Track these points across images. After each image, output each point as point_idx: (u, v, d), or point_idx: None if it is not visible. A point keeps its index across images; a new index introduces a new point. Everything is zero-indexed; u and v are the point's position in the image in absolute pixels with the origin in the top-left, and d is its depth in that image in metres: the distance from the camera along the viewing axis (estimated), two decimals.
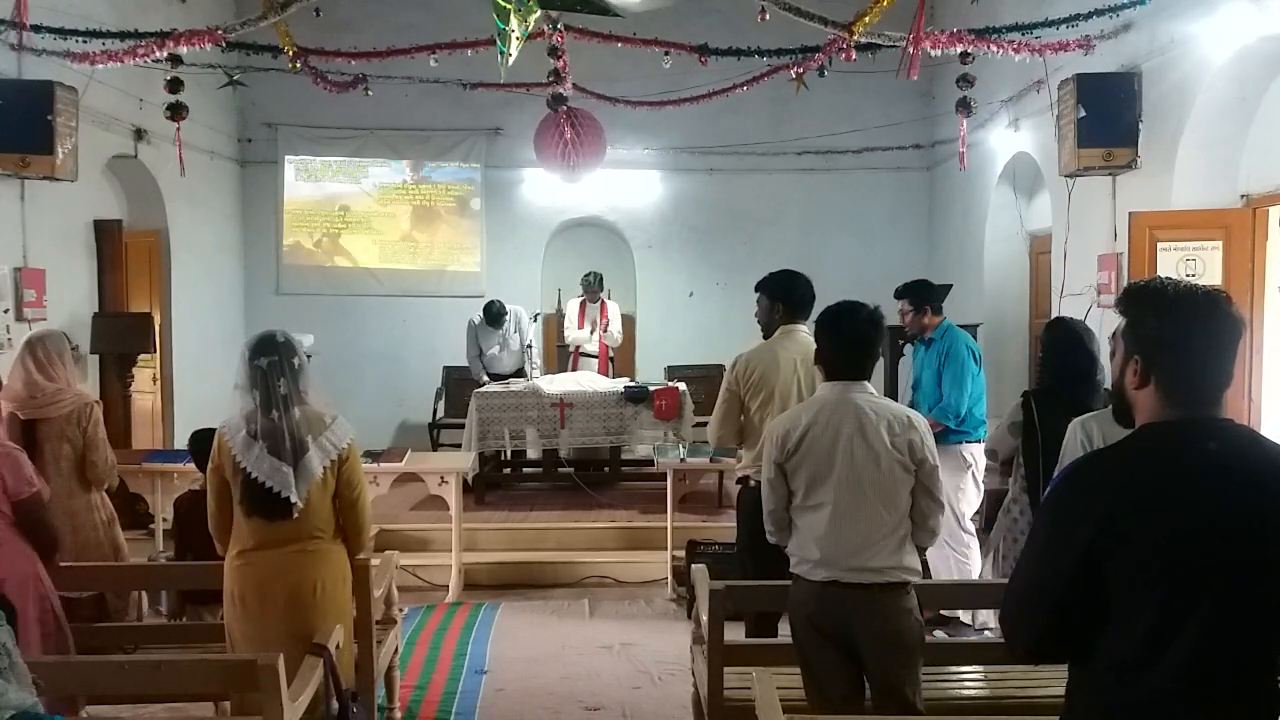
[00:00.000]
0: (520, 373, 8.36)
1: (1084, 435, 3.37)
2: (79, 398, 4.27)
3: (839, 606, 2.94)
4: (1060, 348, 4.24)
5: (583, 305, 8.74)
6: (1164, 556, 1.64)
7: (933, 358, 5.35)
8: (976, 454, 5.28)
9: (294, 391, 3.15)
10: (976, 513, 5.42)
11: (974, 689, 3.58)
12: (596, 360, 8.73)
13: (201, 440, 4.20)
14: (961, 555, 5.27)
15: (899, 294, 5.54)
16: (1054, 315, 6.74)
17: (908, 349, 6.93)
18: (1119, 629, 1.68)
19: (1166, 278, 1.87)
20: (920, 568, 3.06)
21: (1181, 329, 1.73)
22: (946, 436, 5.13)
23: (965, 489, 5.27)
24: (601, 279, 8.69)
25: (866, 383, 3.09)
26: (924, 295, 5.46)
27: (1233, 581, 1.64)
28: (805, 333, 4.21)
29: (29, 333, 4.72)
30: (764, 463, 3.13)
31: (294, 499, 3.09)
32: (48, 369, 4.18)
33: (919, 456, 2.99)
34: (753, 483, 4.18)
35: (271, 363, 3.12)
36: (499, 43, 5.44)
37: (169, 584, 4.31)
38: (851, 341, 3.08)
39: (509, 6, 5.19)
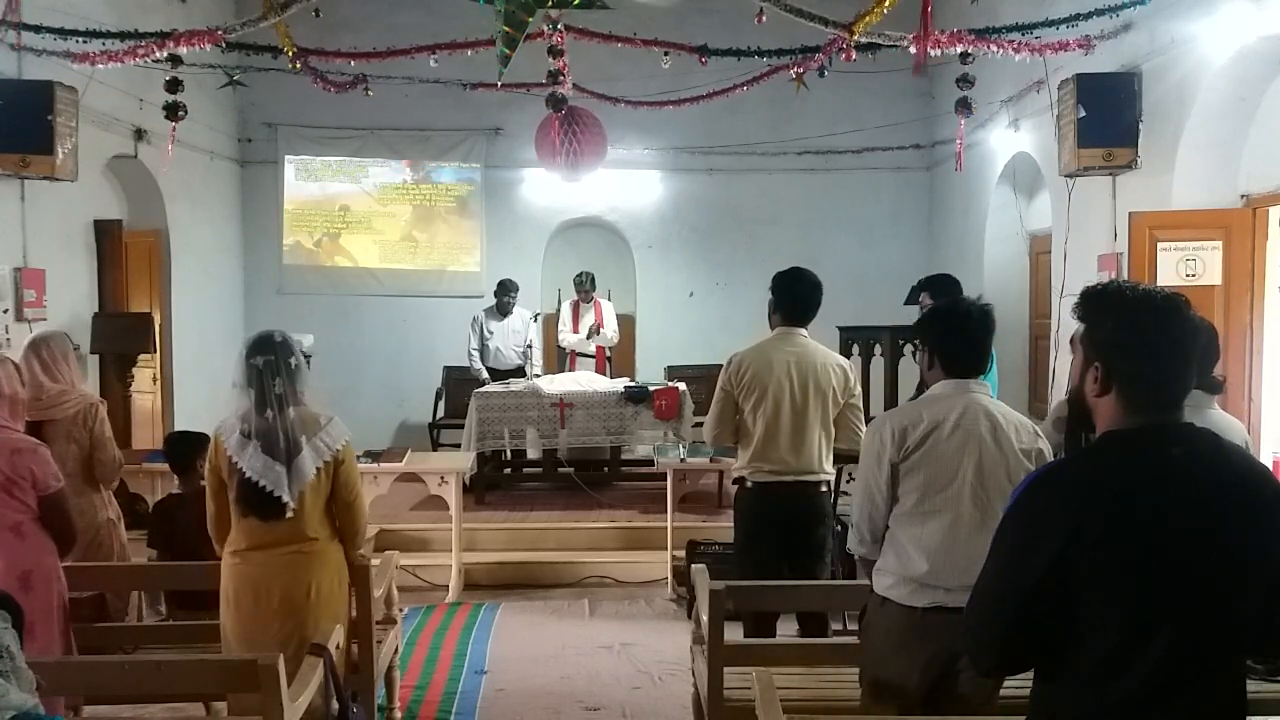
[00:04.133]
0: (520, 372, 8.37)
1: None
2: (84, 398, 4.30)
3: (945, 635, 2.57)
4: None
5: (576, 306, 8.75)
6: (1130, 564, 1.63)
7: None
8: None
9: (289, 391, 3.14)
10: None
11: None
12: (594, 360, 8.73)
13: (177, 444, 4.22)
14: None
15: (923, 285, 5.52)
16: (1054, 315, 6.77)
17: (908, 349, 6.93)
18: (1086, 638, 1.66)
19: (1125, 281, 1.84)
20: None
21: (1140, 334, 1.71)
22: None
23: None
24: (593, 278, 8.68)
25: (984, 380, 2.86)
26: (946, 291, 5.41)
27: (1200, 587, 1.63)
28: (803, 335, 4.19)
29: (30, 334, 4.72)
30: (867, 462, 2.82)
31: (286, 498, 3.08)
32: (52, 370, 4.21)
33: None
34: (749, 483, 4.20)
35: (267, 362, 3.13)
36: (499, 44, 5.45)
37: (169, 584, 4.32)
38: (967, 333, 2.82)
39: (504, 7, 5.21)
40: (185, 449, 4.18)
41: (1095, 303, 1.78)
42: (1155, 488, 1.66)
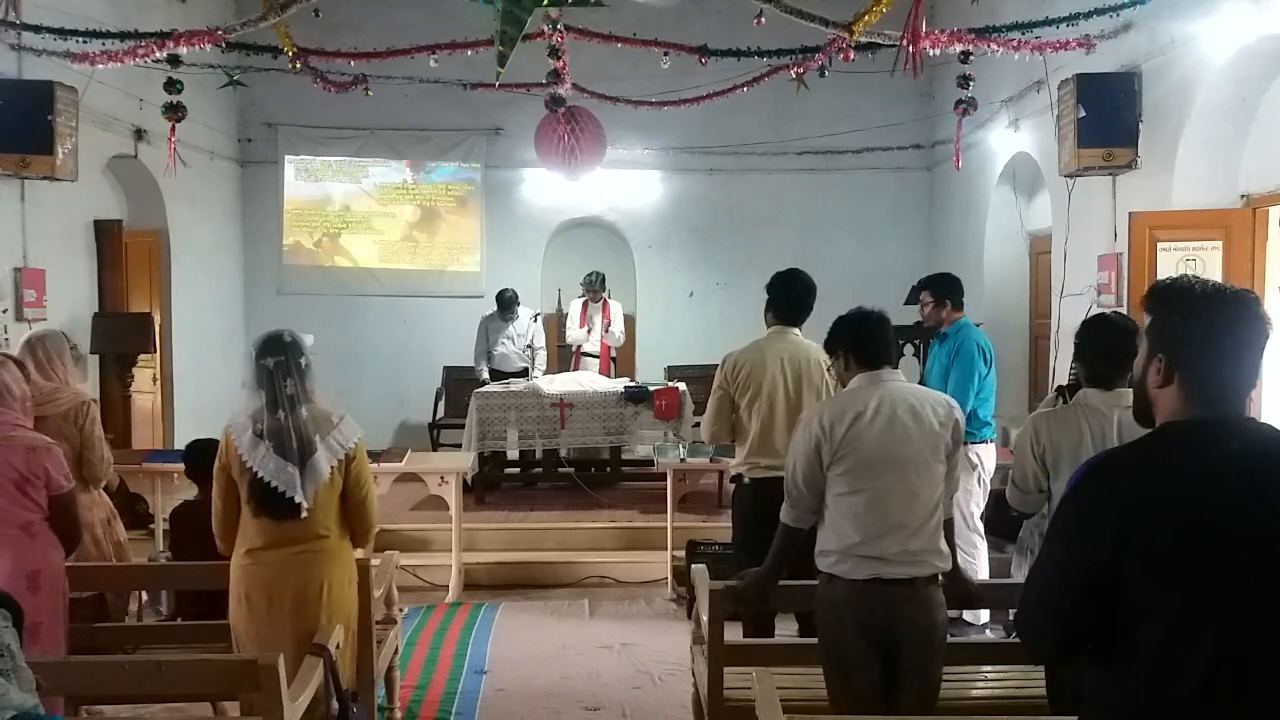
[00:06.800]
0: (524, 372, 8.38)
1: (1032, 433, 3.27)
2: (75, 396, 4.28)
3: (884, 604, 2.93)
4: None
5: (585, 305, 8.74)
6: (1185, 557, 1.62)
7: (944, 354, 5.34)
8: (983, 455, 5.26)
9: (300, 391, 3.16)
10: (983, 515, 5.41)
11: (980, 689, 3.58)
12: (598, 360, 8.73)
13: (198, 451, 4.20)
14: (969, 555, 5.26)
15: (923, 284, 5.53)
16: (1054, 315, 6.77)
17: (908, 349, 6.94)
18: (1140, 630, 1.65)
19: (1194, 276, 1.84)
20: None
21: (1207, 328, 1.71)
22: None
23: (972, 490, 5.26)
24: (603, 278, 8.69)
25: (897, 370, 3.16)
26: (946, 289, 5.43)
27: (1255, 582, 1.61)
28: (796, 334, 4.26)
29: (28, 333, 4.72)
30: (803, 453, 3.07)
31: (299, 499, 3.09)
32: (47, 369, 4.21)
33: (958, 437, 3.08)
34: (746, 480, 4.21)
35: (278, 363, 3.14)
36: (498, 44, 5.45)
37: (169, 584, 4.31)
38: (869, 331, 3.18)
39: (504, 7, 5.21)
40: (206, 458, 4.17)
41: (1164, 296, 1.80)
42: (1209, 480, 1.65)
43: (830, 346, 3.27)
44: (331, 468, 3.16)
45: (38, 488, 3.40)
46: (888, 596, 2.92)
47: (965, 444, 5.15)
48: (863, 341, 3.16)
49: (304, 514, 3.10)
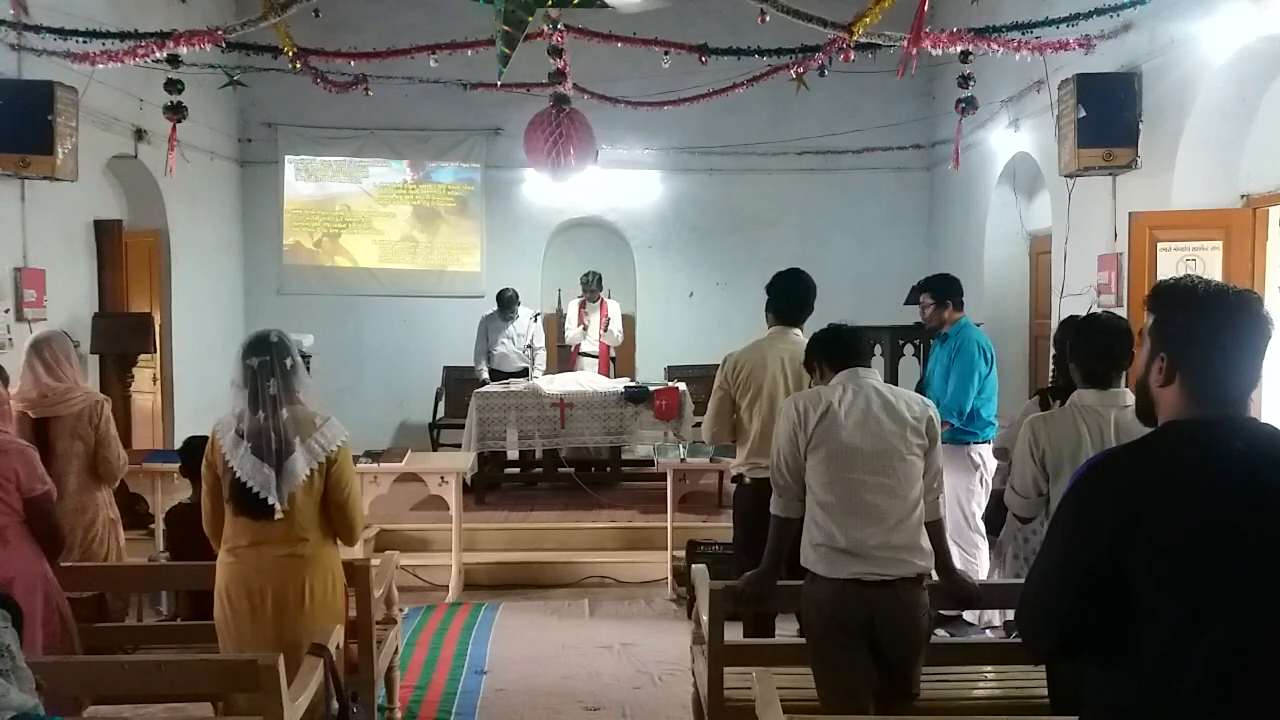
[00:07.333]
0: (524, 372, 8.38)
1: (1030, 436, 3.22)
2: (89, 395, 4.31)
3: (864, 605, 2.95)
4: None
5: (582, 305, 8.75)
6: (1187, 555, 1.61)
7: (945, 354, 5.34)
8: (985, 455, 5.27)
9: (284, 392, 3.14)
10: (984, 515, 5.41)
11: (977, 689, 3.58)
12: (597, 360, 8.73)
13: (193, 448, 4.21)
14: (970, 555, 5.27)
15: (922, 286, 5.53)
16: (1054, 315, 6.77)
17: (908, 349, 6.94)
18: (1141, 630, 1.65)
19: (1197, 277, 1.85)
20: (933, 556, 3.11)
21: (1210, 327, 1.71)
22: (955, 436, 5.12)
23: (974, 490, 5.27)
24: (600, 279, 8.69)
25: (872, 369, 3.24)
26: (946, 290, 5.43)
27: (1257, 582, 1.61)
28: (797, 334, 4.27)
29: (32, 335, 4.73)
30: (783, 440, 3.15)
31: (272, 501, 3.09)
32: (55, 369, 4.23)
33: (934, 434, 3.12)
34: (747, 480, 4.22)
35: (263, 363, 3.13)
36: (499, 44, 5.45)
37: (168, 584, 4.32)
38: (841, 337, 3.32)
39: (504, 7, 5.21)
40: (196, 454, 4.16)
41: (1167, 295, 1.80)
42: (1211, 480, 1.65)
43: (808, 364, 3.39)
44: (311, 470, 3.14)
45: (9, 491, 3.36)
46: (867, 598, 2.95)
47: (967, 444, 5.19)
48: (836, 350, 3.27)
49: (278, 515, 3.10)
